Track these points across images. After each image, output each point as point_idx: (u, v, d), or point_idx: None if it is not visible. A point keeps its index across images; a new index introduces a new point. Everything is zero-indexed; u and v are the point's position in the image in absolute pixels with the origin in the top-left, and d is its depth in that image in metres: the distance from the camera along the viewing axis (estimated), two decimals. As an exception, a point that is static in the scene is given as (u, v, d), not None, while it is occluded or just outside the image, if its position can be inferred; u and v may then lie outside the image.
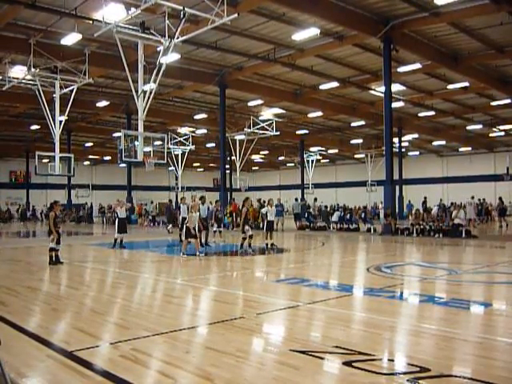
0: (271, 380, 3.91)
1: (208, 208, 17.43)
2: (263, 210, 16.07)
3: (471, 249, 15.43)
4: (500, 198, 27.50)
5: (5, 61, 20.97)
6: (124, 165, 34.35)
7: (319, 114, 33.26)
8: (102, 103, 29.50)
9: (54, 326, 5.77)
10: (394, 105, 24.65)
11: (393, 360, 4.49)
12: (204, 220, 15.26)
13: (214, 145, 43.14)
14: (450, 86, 26.86)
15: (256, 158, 52.03)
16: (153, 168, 16.42)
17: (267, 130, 30.29)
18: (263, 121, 30.57)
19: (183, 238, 13.64)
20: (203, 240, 15.24)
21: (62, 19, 17.95)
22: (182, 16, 13.79)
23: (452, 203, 25.83)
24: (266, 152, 49.86)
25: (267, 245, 14.70)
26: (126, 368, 4.16)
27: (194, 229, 13.07)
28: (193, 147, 35.19)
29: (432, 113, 33.27)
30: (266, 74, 25.77)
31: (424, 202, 27.81)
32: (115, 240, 15.51)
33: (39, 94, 20.93)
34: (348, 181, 55.39)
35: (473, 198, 27.14)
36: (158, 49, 16.08)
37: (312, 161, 44.02)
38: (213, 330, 5.50)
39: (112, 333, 5.52)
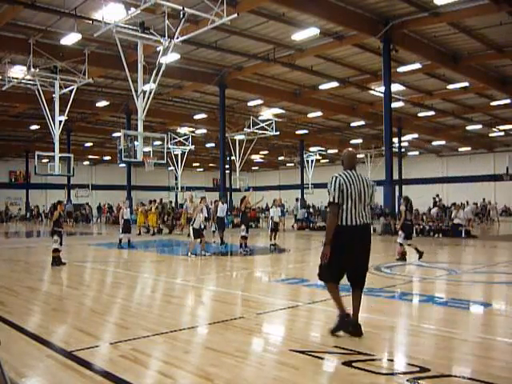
0: (271, 380, 3.90)
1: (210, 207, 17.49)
2: (271, 212, 15.99)
3: (471, 249, 15.43)
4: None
5: (4, 61, 20.95)
6: (124, 165, 34.31)
7: (319, 114, 33.22)
8: (102, 103, 29.46)
9: (53, 326, 5.76)
10: (394, 105, 24.63)
11: (393, 360, 4.49)
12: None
13: (213, 145, 43.10)
14: (450, 86, 26.85)
15: (256, 157, 51.98)
16: (152, 168, 16.45)
17: (267, 129, 30.26)
18: (263, 121, 30.54)
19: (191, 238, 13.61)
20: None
21: (61, 19, 17.93)
22: (181, 16, 13.82)
23: (453, 203, 25.84)
24: (266, 152, 49.81)
25: (271, 245, 14.77)
26: (126, 368, 4.16)
27: (200, 228, 13.16)
28: (192, 147, 35.18)
29: (432, 113, 33.24)
30: (265, 74, 25.75)
31: (437, 201, 27.45)
32: (120, 240, 15.65)
33: (39, 93, 20.93)
34: (347, 181, 55.27)
35: (476, 204, 27.45)
36: (158, 49, 16.09)
37: (312, 161, 43.98)
38: (212, 330, 5.50)
39: (112, 333, 5.51)
